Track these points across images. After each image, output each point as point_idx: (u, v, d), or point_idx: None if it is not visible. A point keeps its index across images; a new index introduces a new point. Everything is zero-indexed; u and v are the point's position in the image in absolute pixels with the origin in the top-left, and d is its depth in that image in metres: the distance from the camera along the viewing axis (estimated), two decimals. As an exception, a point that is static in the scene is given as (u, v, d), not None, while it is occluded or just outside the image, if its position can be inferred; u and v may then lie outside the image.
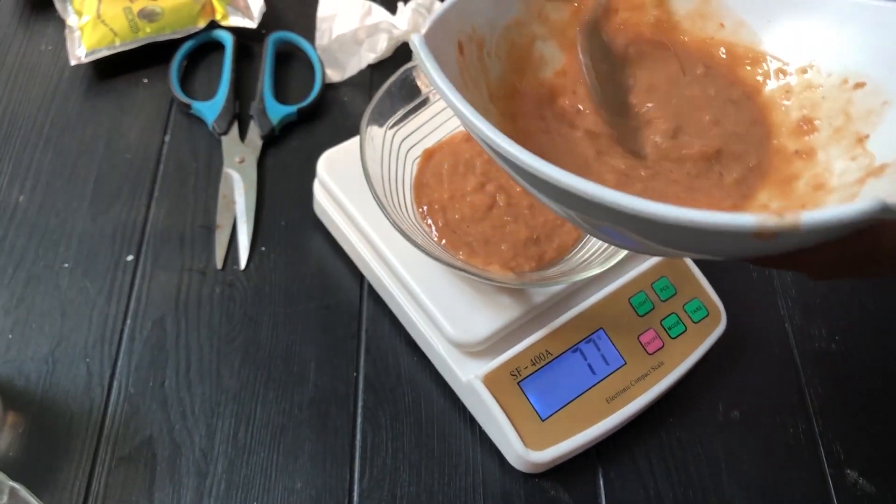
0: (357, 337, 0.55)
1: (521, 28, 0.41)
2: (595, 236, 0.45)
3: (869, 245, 0.29)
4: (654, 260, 0.55)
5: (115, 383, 0.52)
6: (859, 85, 0.38)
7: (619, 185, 0.36)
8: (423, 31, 0.34)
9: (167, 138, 0.63)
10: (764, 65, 0.41)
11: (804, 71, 0.40)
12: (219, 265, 0.57)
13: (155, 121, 0.64)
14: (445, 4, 0.36)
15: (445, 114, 0.56)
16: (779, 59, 0.41)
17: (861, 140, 0.36)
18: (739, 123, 0.40)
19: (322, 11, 0.69)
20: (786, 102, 0.40)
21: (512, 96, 0.40)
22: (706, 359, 0.53)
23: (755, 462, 0.53)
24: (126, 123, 0.63)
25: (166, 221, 0.58)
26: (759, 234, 0.27)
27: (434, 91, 0.56)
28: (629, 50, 0.42)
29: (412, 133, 0.55)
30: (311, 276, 0.57)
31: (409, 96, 0.55)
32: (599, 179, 0.36)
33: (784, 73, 0.40)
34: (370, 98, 0.52)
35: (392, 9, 0.69)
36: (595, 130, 0.39)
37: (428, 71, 0.32)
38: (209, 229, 0.58)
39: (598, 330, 0.52)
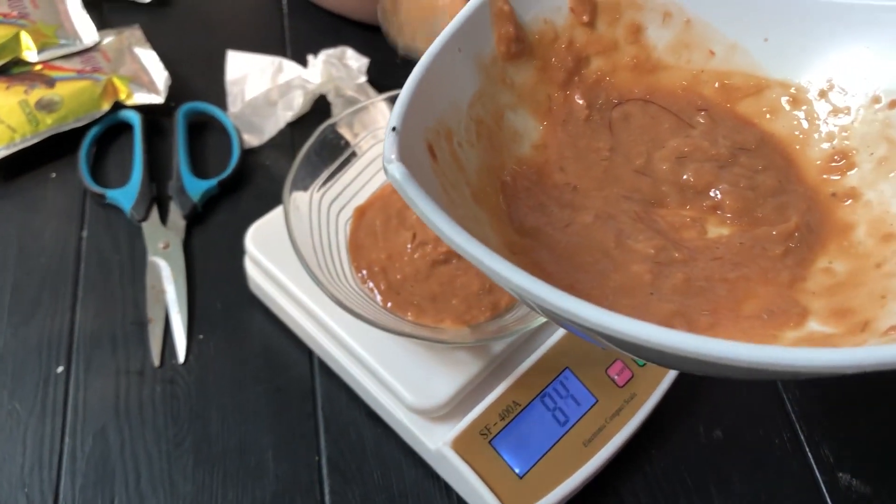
0: (314, 416, 0.52)
1: (485, 101, 0.35)
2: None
3: None
4: (610, 287, 0.52)
5: (60, 510, 0.48)
6: (895, 103, 0.31)
7: (656, 279, 0.31)
8: (394, 153, 0.28)
9: (84, 234, 0.59)
10: (770, 93, 0.35)
11: (822, 94, 0.34)
12: (156, 362, 0.53)
13: (69, 217, 0.60)
14: (403, 99, 0.30)
15: (374, 166, 0.54)
16: (786, 84, 0.34)
17: None
18: (766, 176, 0.34)
19: (231, 75, 0.66)
20: (807, 135, 0.34)
21: (497, 190, 0.34)
22: (678, 380, 0.51)
23: (746, 480, 0.51)
24: (38, 224, 0.59)
25: (94, 323, 0.55)
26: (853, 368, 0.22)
27: (363, 140, 0.53)
28: (612, 114, 0.37)
29: (341, 193, 0.53)
30: (255, 358, 0.54)
31: (332, 155, 0.52)
32: (627, 272, 0.31)
33: (798, 100, 0.34)
34: (293, 158, 0.49)
35: (303, 62, 0.66)
36: (607, 210, 0.33)
37: (413, 201, 0.27)
38: (141, 325, 0.55)
39: (564, 370, 0.50)
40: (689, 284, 0.30)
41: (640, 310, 0.29)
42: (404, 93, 0.30)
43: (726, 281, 0.31)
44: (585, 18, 0.37)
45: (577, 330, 0.26)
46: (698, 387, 0.54)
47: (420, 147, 0.30)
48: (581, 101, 0.38)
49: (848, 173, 0.32)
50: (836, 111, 0.33)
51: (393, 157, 0.28)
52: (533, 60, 0.37)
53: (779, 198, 0.34)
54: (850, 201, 0.32)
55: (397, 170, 0.28)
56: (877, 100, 0.32)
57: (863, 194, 0.32)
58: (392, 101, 0.54)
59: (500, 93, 0.36)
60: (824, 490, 0.51)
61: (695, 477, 0.51)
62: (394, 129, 0.29)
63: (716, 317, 0.29)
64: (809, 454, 0.52)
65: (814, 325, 0.29)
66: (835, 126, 0.33)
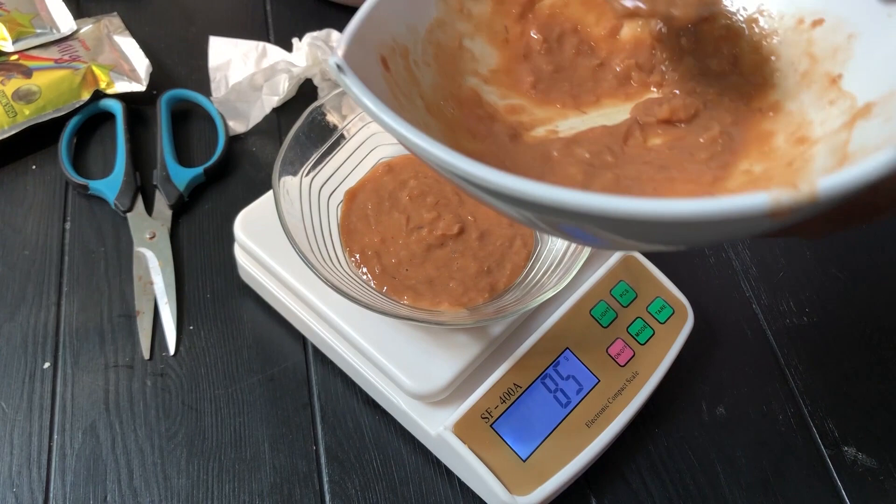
0: (310, 405, 0.50)
1: (444, 28, 0.37)
2: (563, 238, 0.41)
3: (870, 195, 0.26)
4: (608, 266, 0.51)
5: (51, 509, 0.46)
6: (817, 23, 0.34)
7: (587, 178, 0.33)
8: (341, 51, 0.30)
9: (67, 225, 0.57)
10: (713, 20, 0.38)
11: (754, 21, 0.36)
12: (146, 355, 0.52)
13: (51, 209, 0.58)
14: (357, 17, 0.32)
15: (364, 148, 0.53)
16: (724, 14, 0.37)
17: (834, 81, 0.33)
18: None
19: (213, 61, 0.64)
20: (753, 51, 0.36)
21: (453, 105, 0.36)
22: (680, 357, 0.50)
23: (751, 457, 0.50)
24: (19, 217, 0.58)
25: (81, 317, 0.53)
26: (774, 214, 0.23)
27: (352, 123, 0.52)
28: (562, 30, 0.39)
29: (331, 176, 0.51)
30: (248, 348, 0.53)
31: (321, 138, 0.51)
32: (564, 174, 0.33)
33: (731, 26, 0.37)
34: (280, 143, 0.48)
35: (287, 46, 0.65)
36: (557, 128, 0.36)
37: (353, 92, 0.29)
38: (129, 317, 0.53)
39: (564, 351, 0.49)
40: (617, 183, 0.32)
41: None
42: (359, 13, 0.32)
43: (653, 180, 0.33)
44: None
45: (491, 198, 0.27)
46: (700, 364, 0.54)
47: (372, 56, 0.32)
48: (537, 36, 0.39)
49: (773, 88, 0.35)
50: (765, 35, 0.36)
51: (340, 51, 0.29)
52: None
53: (710, 111, 0.36)
54: (772, 113, 0.35)
55: (337, 60, 0.29)
56: (801, 21, 0.35)
57: (784, 106, 0.35)
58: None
59: (459, 22, 0.38)
60: (830, 464, 0.50)
61: (699, 455, 0.50)
62: (345, 36, 0.31)
63: None
64: (814, 428, 0.52)
65: None
66: (764, 48, 0.36)
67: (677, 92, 0.37)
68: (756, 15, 0.36)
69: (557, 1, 0.40)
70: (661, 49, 0.38)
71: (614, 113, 0.38)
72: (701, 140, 0.34)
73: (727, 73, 0.38)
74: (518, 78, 0.39)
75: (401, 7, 0.35)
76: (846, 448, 0.51)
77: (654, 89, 0.38)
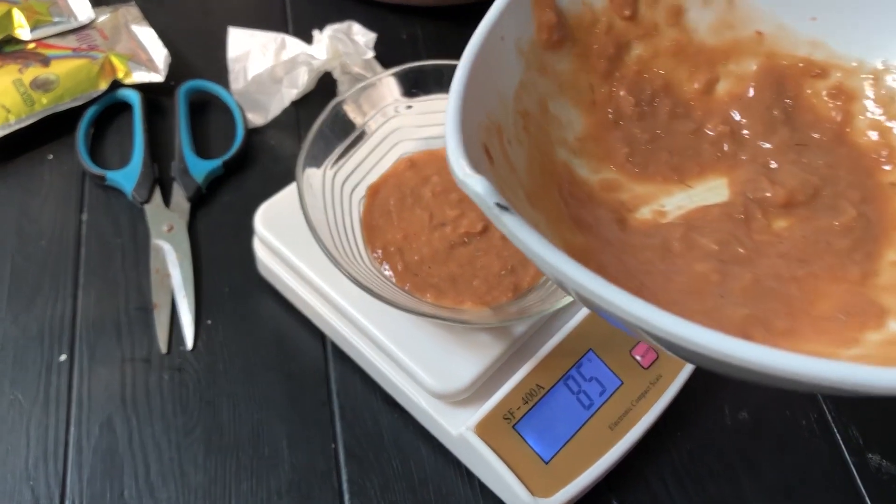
0: (328, 403, 0.50)
1: (529, 91, 0.34)
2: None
3: None
4: (632, 266, 0.51)
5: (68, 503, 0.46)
6: None
7: (723, 280, 0.29)
8: (466, 163, 0.25)
9: (84, 217, 0.57)
10: (822, 77, 0.34)
11: (875, 77, 0.32)
12: (163, 349, 0.51)
13: (68, 199, 0.58)
14: (455, 98, 0.28)
15: (387, 143, 0.52)
16: (841, 67, 0.33)
17: None
18: (815, 157, 0.33)
19: (232, 52, 0.64)
20: (868, 119, 0.32)
21: (550, 188, 0.33)
22: (704, 361, 0.49)
23: (773, 463, 0.50)
24: (35, 207, 0.57)
25: (97, 309, 0.53)
26: None
27: (374, 118, 0.51)
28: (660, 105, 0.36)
29: (354, 171, 0.51)
30: (266, 344, 0.52)
31: (344, 132, 0.50)
32: (692, 274, 0.29)
33: (849, 88, 0.33)
34: (299, 137, 0.47)
35: (306, 38, 0.64)
36: (664, 211, 0.32)
37: (516, 236, 0.25)
38: (146, 310, 0.53)
39: (587, 352, 0.48)
40: (758, 285, 0.29)
41: (712, 315, 0.28)
42: (455, 88, 0.28)
43: (796, 280, 0.29)
44: (627, 12, 0.36)
45: (651, 340, 0.24)
46: (723, 367, 0.53)
47: (477, 149, 0.28)
48: (628, 98, 0.36)
49: None
50: (891, 95, 0.32)
51: (468, 169, 0.25)
52: (573, 47, 0.35)
53: (831, 187, 0.32)
54: None
55: (480, 185, 0.25)
56: None
57: None
58: (400, 76, 0.52)
59: (542, 82, 0.34)
60: (854, 472, 0.50)
61: (722, 460, 0.50)
62: (454, 131, 0.26)
63: (792, 321, 0.27)
64: (838, 435, 0.51)
65: (894, 326, 0.28)
66: (882, 113, 0.32)
67: (775, 165, 0.34)
68: (878, 70, 0.32)
69: (644, 54, 0.36)
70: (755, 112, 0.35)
71: (721, 187, 0.35)
72: (836, 224, 0.31)
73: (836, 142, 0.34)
74: (610, 148, 0.35)
75: (490, 72, 0.31)
76: (870, 455, 0.50)
77: (765, 157, 0.35)
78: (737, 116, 0.35)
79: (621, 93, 0.35)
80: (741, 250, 0.30)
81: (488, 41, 0.30)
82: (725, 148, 0.35)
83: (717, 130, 0.36)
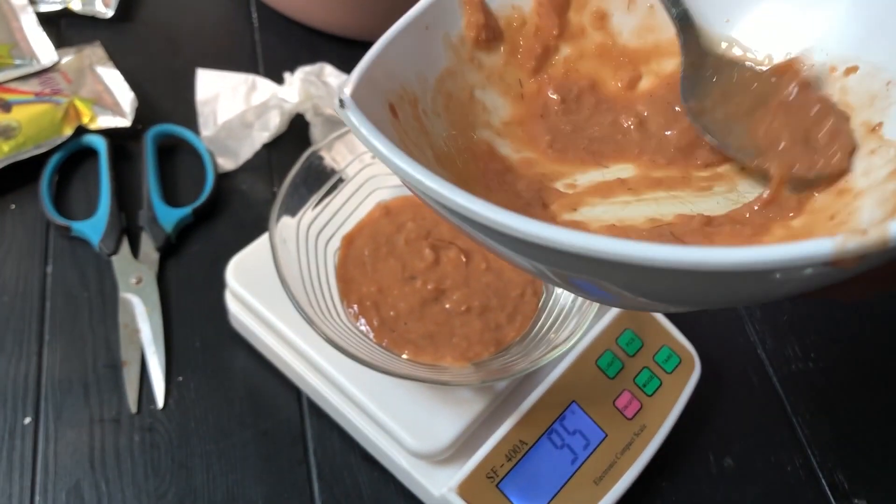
0: (305, 462, 0.48)
1: (454, 78, 0.36)
2: (575, 293, 0.39)
3: None
4: (613, 313, 0.50)
5: (33, 577, 0.44)
6: (851, 70, 0.33)
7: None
8: (348, 89, 0.29)
9: (49, 269, 0.55)
10: None
11: (782, 70, 0.35)
12: (133, 408, 0.49)
13: (32, 252, 0.56)
14: (365, 59, 0.31)
15: (364, 191, 0.51)
16: (753, 62, 0.36)
17: (874, 130, 0.32)
18: None
19: (201, 94, 0.62)
20: None
21: (466, 159, 0.35)
22: (687, 409, 0.48)
23: (760, 511, 0.49)
24: (-2, 260, 0.55)
25: (64, 368, 0.51)
26: (836, 262, 0.21)
27: (350, 165, 0.50)
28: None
29: (329, 221, 0.49)
30: (240, 401, 0.50)
31: (318, 182, 0.49)
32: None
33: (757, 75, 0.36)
34: (271, 181, 0.46)
35: (277, 78, 0.63)
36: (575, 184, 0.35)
37: (358, 129, 0.28)
38: (115, 368, 0.51)
39: (570, 404, 0.47)
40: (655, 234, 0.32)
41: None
42: (367, 55, 0.31)
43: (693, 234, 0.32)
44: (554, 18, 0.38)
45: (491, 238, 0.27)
46: (706, 413, 0.52)
47: (380, 101, 0.31)
48: (555, 96, 0.38)
49: None
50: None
51: (348, 89, 0.29)
52: (502, 45, 0.38)
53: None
54: None
55: (346, 99, 0.28)
56: (832, 69, 0.34)
57: None
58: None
59: (470, 72, 0.37)
60: (841, 518, 0.49)
61: (708, 510, 0.49)
62: (352, 75, 0.30)
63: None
64: (823, 480, 0.50)
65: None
66: None
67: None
68: (784, 63, 0.35)
69: (571, 55, 0.38)
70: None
71: (630, 169, 0.37)
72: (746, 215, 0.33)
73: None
74: (534, 135, 0.37)
75: (409, 55, 0.34)
76: (856, 500, 0.50)
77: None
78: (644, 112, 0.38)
79: (549, 92, 0.38)
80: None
81: (410, 27, 0.33)
82: (635, 137, 0.38)
83: (629, 122, 0.38)
